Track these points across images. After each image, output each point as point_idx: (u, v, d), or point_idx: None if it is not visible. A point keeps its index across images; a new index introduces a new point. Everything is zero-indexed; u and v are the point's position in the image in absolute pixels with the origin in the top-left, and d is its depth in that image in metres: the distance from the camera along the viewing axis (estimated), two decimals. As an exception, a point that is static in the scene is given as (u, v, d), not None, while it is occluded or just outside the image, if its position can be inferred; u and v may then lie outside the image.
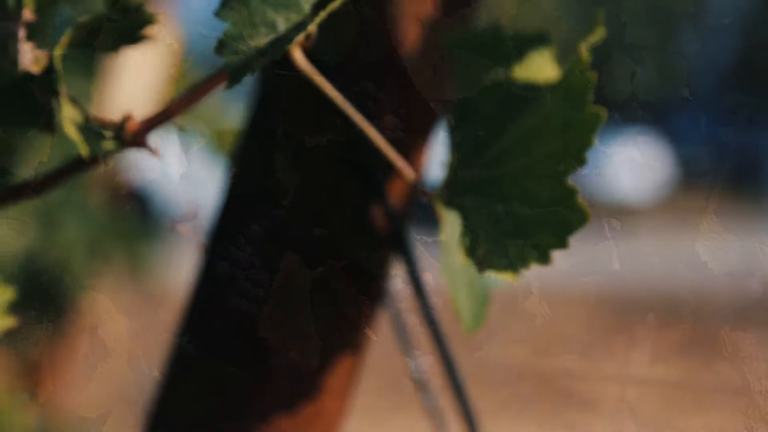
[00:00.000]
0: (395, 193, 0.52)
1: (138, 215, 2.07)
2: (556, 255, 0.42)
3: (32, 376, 2.05)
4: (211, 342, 0.52)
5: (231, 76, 0.40)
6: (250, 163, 0.52)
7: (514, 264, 0.42)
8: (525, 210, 0.42)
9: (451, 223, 0.44)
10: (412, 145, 0.51)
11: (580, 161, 0.41)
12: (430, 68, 0.52)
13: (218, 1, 0.41)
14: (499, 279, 0.46)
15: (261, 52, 0.40)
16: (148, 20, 0.44)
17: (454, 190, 0.44)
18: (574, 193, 0.41)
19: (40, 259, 1.80)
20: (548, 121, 0.41)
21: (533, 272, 0.46)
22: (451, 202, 0.44)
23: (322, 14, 0.39)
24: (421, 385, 0.56)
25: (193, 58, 2.56)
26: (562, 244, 0.41)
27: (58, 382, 2.12)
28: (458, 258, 0.44)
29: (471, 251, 0.43)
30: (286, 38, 0.40)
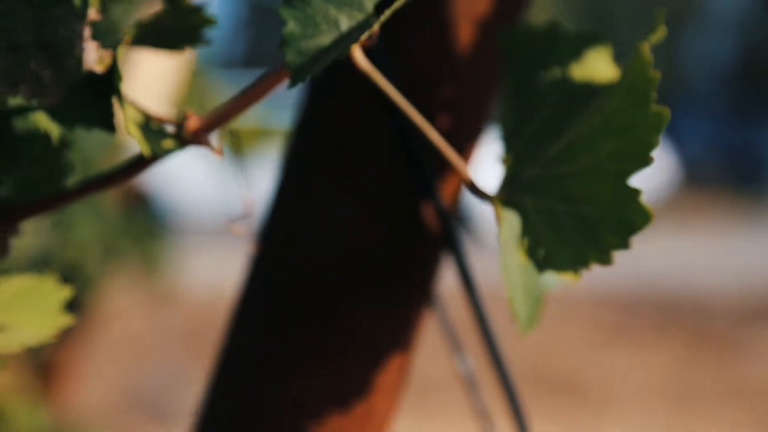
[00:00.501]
0: (446, 192, 0.52)
1: (150, 215, 2.07)
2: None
3: (44, 375, 2.04)
4: (262, 342, 0.52)
5: (294, 75, 0.40)
6: (301, 163, 0.52)
7: (575, 264, 0.42)
8: (587, 210, 0.42)
9: (509, 222, 0.43)
10: (463, 143, 0.51)
11: (644, 161, 0.41)
12: (483, 67, 0.52)
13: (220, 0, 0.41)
14: (555, 279, 0.46)
15: (324, 51, 0.40)
16: (205, 20, 0.44)
17: (513, 190, 0.44)
18: (637, 193, 0.41)
19: (53, 258, 1.80)
20: (611, 120, 0.41)
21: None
22: (509, 202, 0.44)
23: (387, 12, 0.39)
24: (469, 384, 0.56)
25: (202, 58, 2.56)
26: (624, 244, 0.41)
27: (70, 381, 2.12)
28: (517, 258, 0.44)
29: (531, 251, 0.43)
30: (350, 37, 0.39)
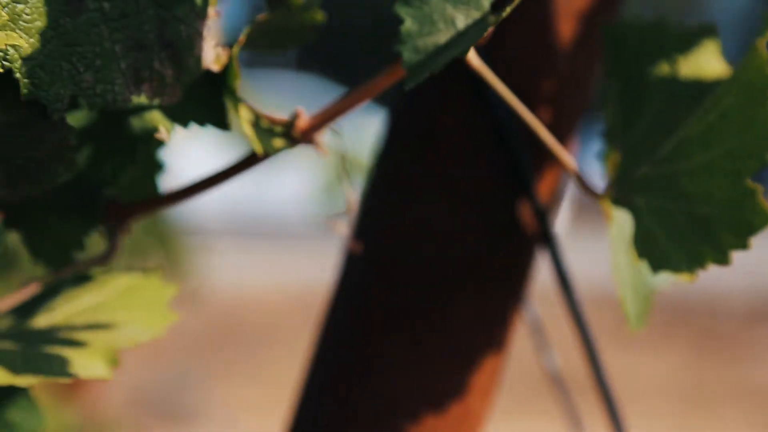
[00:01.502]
0: (543, 189, 0.51)
1: (174, 214, 2.08)
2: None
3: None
4: (360, 342, 0.52)
5: (410, 74, 0.40)
6: (397, 164, 0.52)
7: (691, 264, 0.41)
8: (702, 209, 0.41)
9: (619, 222, 0.43)
10: (561, 140, 0.51)
11: (761, 159, 0.40)
12: (581, 62, 0.51)
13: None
14: (665, 279, 0.46)
15: (440, 49, 0.40)
16: (313, 19, 0.44)
17: (623, 188, 0.44)
18: (755, 192, 0.40)
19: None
20: (727, 118, 0.41)
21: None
22: (620, 200, 0.43)
23: (508, 9, 0.38)
24: (557, 384, 0.56)
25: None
26: (742, 244, 0.41)
27: (94, 380, 2.11)
28: (627, 257, 0.43)
29: (644, 251, 0.42)
30: (468, 36, 0.39)
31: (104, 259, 0.45)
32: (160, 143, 0.43)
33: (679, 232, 0.42)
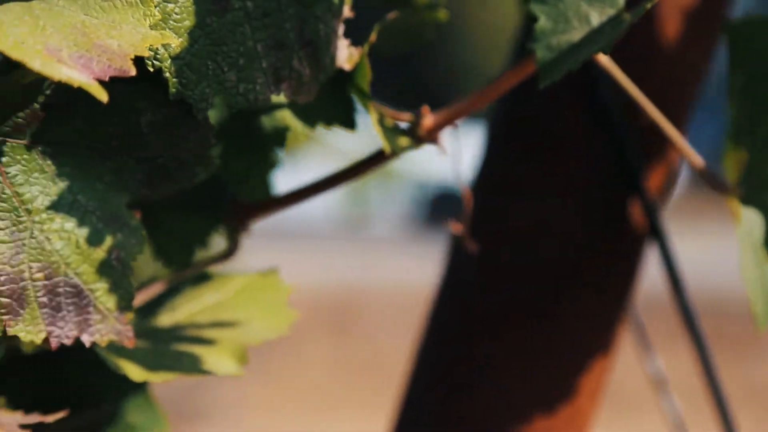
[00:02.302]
0: (652, 186, 0.51)
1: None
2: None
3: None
4: (470, 342, 0.51)
5: (544, 72, 0.39)
6: (506, 161, 0.52)
7: (825, 262, 0.41)
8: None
9: (749, 220, 0.43)
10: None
11: None
12: (689, 59, 0.51)
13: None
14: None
15: (574, 47, 0.40)
16: (438, 18, 0.44)
17: (753, 186, 0.43)
18: None
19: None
20: None
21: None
22: (750, 199, 0.43)
23: (646, 5, 0.38)
24: (660, 387, 0.56)
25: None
26: None
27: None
28: (757, 257, 0.43)
29: (775, 249, 0.42)
30: (603, 34, 0.39)
31: (225, 258, 0.45)
32: (281, 142, 0.43)
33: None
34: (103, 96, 0.31)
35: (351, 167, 0.43)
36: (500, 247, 0.51)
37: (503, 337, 0.51)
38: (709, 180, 0.44)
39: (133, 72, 0.32)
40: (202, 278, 0.47)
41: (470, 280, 0.52)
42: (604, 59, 0.44)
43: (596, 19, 0.40)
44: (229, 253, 0.45)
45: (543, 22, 0.40)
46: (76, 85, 0.31)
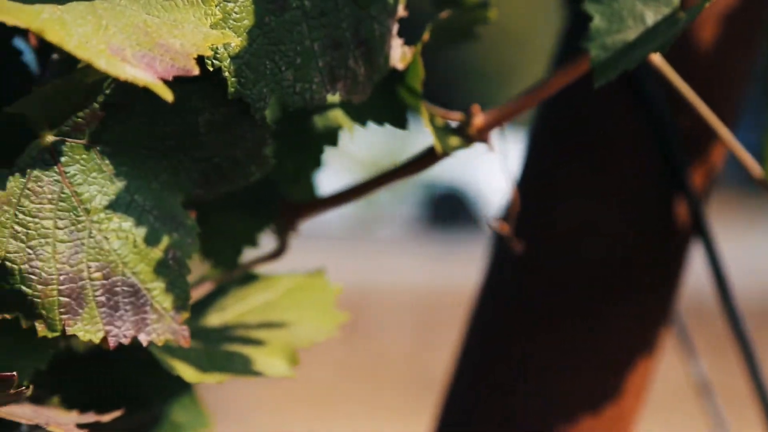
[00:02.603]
0: (697, 185, 0.51)
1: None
2: None
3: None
4: (509, 340, 0.51)
5: (599, 71, 0.39)
6: (550, 162, 0.52)
7: None
8: None
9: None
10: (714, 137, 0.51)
11: None
12: (730, 62, 0.51)
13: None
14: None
15: (629, 47, 0.39)
16: (487, 17, 0.44)
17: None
18: None
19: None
20: None
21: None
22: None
23: (704, 3, 0.38)
24: (703, 389, 0.55)
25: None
26: None
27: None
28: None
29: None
30: (658, 34, 0.39)
31: (274, 258, 0.45)
32: (333, 142, 0.43)
33: None
34: (168, 96, 0.31)
35: (400, 167, 0.43)
36: (545, 247, 0.51)
37: (547, 336, 0.50)
38: (756, 176, 0.44)
39: (196, 71, 0.32)
40: (249, 279, 0.47)
41: (514, 280, 0.52)
42: (656, 58, 0.44)
43: (651, 18, 0.40)
44: (277, 253, 0.45)
45: (598, 22, 0.39)
46: (141, 84, 0.31)
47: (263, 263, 0.45)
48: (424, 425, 0.58)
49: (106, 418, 0.38)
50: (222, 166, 0.38)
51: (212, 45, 0.33)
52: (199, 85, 0.36)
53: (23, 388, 0.34)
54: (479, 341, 0.53)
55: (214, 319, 0.45)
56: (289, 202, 0.44)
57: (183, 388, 0.47)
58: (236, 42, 0.35)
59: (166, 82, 0.32)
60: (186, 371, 0.39)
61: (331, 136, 0.42)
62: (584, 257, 0.50)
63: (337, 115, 0.42)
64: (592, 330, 0.50)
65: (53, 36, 0.31)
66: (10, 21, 0.31)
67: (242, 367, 0.41)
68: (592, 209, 0.50)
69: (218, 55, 0.35)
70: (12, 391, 0.34)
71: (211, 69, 0.35)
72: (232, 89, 0.35)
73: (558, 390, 0.50)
